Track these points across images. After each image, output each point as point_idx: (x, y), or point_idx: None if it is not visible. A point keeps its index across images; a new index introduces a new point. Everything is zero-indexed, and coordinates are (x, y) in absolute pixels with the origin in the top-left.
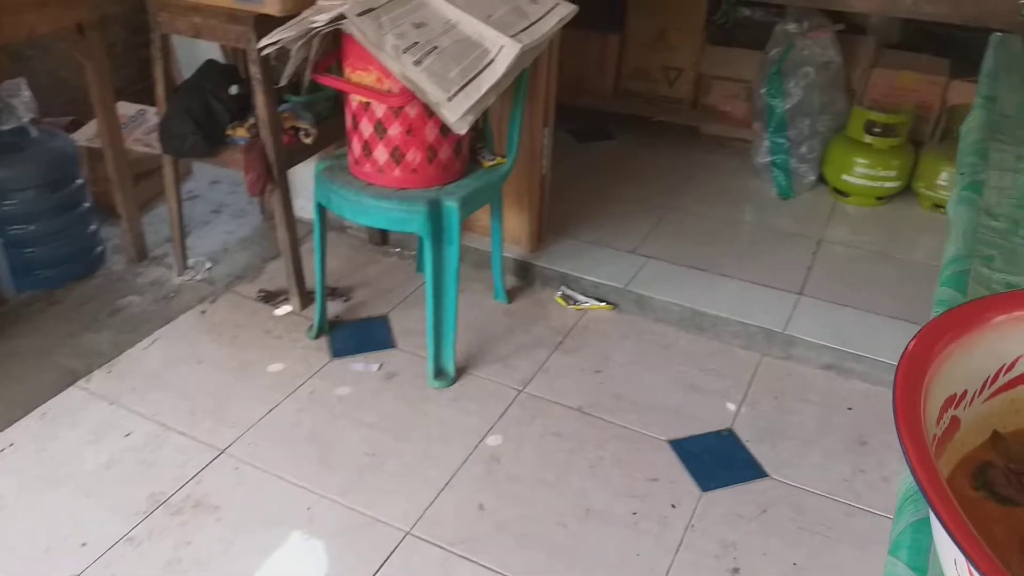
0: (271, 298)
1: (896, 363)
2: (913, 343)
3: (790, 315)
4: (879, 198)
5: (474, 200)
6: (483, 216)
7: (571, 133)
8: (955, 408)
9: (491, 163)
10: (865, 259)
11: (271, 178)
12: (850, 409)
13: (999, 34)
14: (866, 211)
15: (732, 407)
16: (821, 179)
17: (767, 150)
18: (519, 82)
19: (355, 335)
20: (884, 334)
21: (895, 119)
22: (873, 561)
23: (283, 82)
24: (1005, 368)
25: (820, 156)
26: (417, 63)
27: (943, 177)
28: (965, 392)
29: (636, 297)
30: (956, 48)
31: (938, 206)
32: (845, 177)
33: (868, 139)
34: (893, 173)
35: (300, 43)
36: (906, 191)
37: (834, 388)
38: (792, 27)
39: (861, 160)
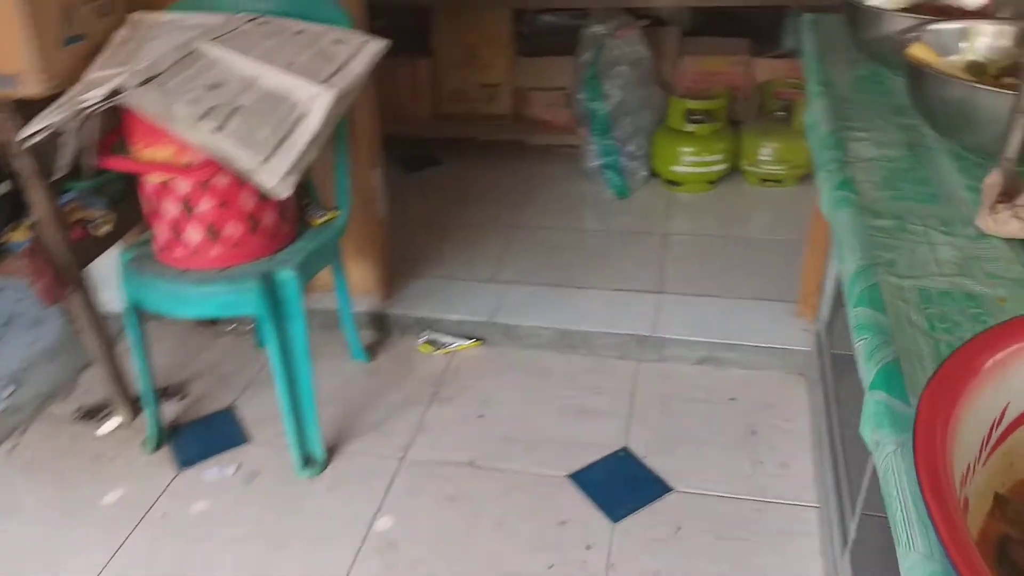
0: (93, 414)
1: (766, 344)
2: (921, 437)
3: (655, 316)
4: (710, 182)
5: (312, 264)
6: (324, 273)
7: (398, 163)
8: (964, 487)
9: (322, 219)
10: (710, 245)
11: (66, 281)
12: (733, 400)
13: (809, 15)
14: (700, 197)
15: (621, 423)
16: (653, 173)
17: (596, 153)
18: (339, 128)
19: (201, 437)
20: (747, 317)
21: (712, 104)
22: (793, 555)
23: (60, 173)
24: (996, 423)
25: (648, 151)
26: (219, 129)
27: (764, 153)
28: (968, 467)
29: (503, 328)
30: (751, 27)
31: (765, 180)
32: (674, 168)
33: (690, 127)
34: (719, 156)
35: (74, 125)
36: (733, 171)
37: (713, 381)
38: (599, 29)
39: (687, 149)
